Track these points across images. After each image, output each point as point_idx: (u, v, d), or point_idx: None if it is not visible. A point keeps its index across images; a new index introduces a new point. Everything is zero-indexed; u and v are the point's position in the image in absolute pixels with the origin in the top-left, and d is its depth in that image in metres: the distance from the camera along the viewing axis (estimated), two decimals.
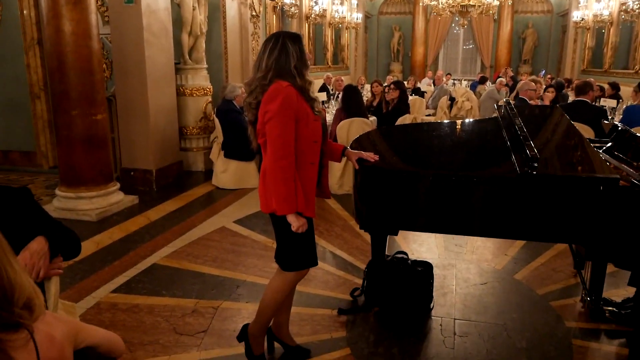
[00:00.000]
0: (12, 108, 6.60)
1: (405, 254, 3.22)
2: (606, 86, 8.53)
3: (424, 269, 3.10)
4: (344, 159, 2.65)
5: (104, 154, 4.90)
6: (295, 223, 2.22)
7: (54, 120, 4.91)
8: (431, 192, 2.45)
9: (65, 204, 4.82)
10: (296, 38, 2.29)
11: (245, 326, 2.58)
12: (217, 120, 5.99)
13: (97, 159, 4.81)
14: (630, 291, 3.19)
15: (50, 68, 4.71)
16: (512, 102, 3.60)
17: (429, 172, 2.48)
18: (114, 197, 5.02)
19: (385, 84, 8.07)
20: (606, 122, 3.86)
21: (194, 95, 6.59)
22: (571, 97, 7.70)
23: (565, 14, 15.82)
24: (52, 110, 5.65)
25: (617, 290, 3.37)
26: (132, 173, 5.88)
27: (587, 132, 4.38)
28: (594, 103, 5.91)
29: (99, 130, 4.79)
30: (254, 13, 7.87)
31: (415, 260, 3.21)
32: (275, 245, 2.48)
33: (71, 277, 3.52)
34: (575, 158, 2.71)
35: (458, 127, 3.45)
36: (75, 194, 4.80)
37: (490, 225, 2.42)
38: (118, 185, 5.15)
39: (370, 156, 2.58)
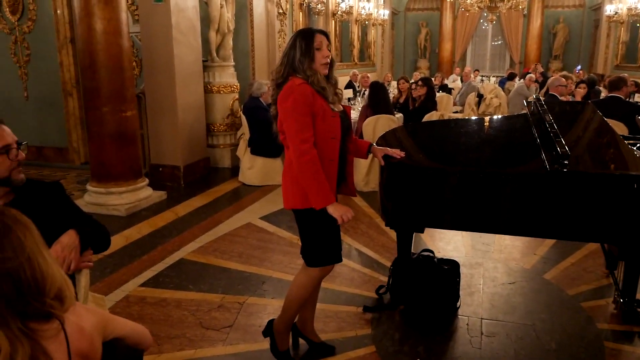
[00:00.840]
0: (45, 105, 6.79)
1: (432, 252, 3.19)
2: None
3: (451, 267, 3.06)
4: (370, 156, 2.63)
5: (134, 150, 4.99)
6: (337, 213, 2.22)
7: (85, 117, 5.02)
8: (458, 189, 2.42)
9: (95, 198, 4.92)
10: (307, 33, 2.30)
11: (271, 322, 2.60)
12: (243, 117, 6.04)
13: (126, 154, 4.90)
14: None
15: (82, 66, 4.81)
16: (542, 98, 3.52)
17: (457, 169, 2.45)
18: (143, 193, 5.11)
19: (412, 80, 8.00)
20: None
21: (221, 92, 6.66)
22: (604, 93, 7.50)
23: (597, 8, 15.37)
24: (83, 107, 5.79)
25: None
26: (160, 169, 5.97)
27: (620, 128, 4.24)
28: (628, 99, 5.73)
29: (129, 127, 4.88)
30: (280, 10, 7.89)
31: (441, 259, 3.17)
32: (300, 242, 2.48)
33: (101, 270, 3.60)
34: (608, 155, 2.64)
35: (486, 123, 3.39)
36: (106, 189, 4.90)
37: (519, 224, 2.37)
38: (147, 180, 5.24)
39: (397, 153, 2.56)
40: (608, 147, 2.72)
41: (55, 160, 6.88)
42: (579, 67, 14.09)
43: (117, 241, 4.14)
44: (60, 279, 1.05)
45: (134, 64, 6.06)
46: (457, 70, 14.18)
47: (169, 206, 5.15)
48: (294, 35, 2.31)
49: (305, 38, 2.26)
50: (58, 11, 6.44)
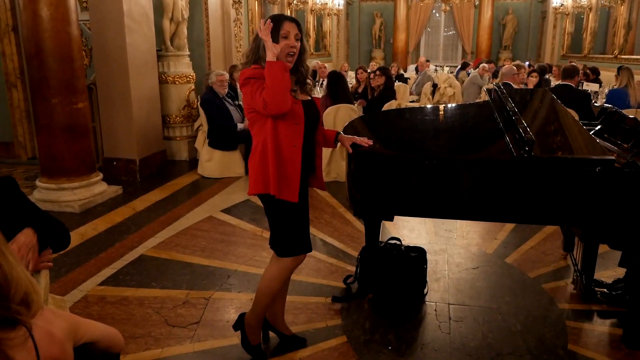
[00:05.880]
0: None
1: (399, 239, 3.20)
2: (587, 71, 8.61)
3: (418, 255, 3.08)
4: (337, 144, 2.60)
5: (86, 143, 4.76)
6: (274, 49, 2.11)
7: (32, 109, 4.75)
8: (429, 176, 2.42)
9: (46, 195, 4.68)
10: (275, 20, 2.22)
11: (242, 315, 2.54)
12: (201, 109, 5.89)
13: (79, 148, 4.68)
14: (619, 272, 3.23)
15: (28, 55, 4.54)
16: (501, 86, 3.58)
17: (427, 157, 2.45)
18: (97, 188, 4.90)
19: (369, 70, 8.02)
20: (597, 105, 3.88)
21: (177, 82, 6.46)
22: (553, 82, 7.77)
23: (544, 0, 15.90)
24: (30, 99, 5.48)
25: (606, 272, 3.40)
26: (114, 163, 5.75)
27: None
28: (577, 87, 5.94)
29: (81, 119, 4.65)
30: None
31: (408, 246, 3.19)
32: (264, 234, 2.44)
33: (56, 270, 3.42)
34: (569, 140, 2.71)
35: (451, 111, 3.42)
36: (57, 185, 4.67)
37: (488, 209, 2.40)
38: (101, 175, 5.03)
39: (364, 141, 2.53)
40: (570, 131, 2.79)
41: None
42: (527, 62, 14.57)
43: (72, 239, 3.86)
44: (27, 282, 0.95)
45: (83, 53, 5.78)
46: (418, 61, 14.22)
47: (126, 201, 4.97)
48: (264, 21, 2.23)
49: (272, 23, 2.19)
50: None
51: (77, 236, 4.08)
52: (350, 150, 2.54)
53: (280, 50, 2.15)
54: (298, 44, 2.21)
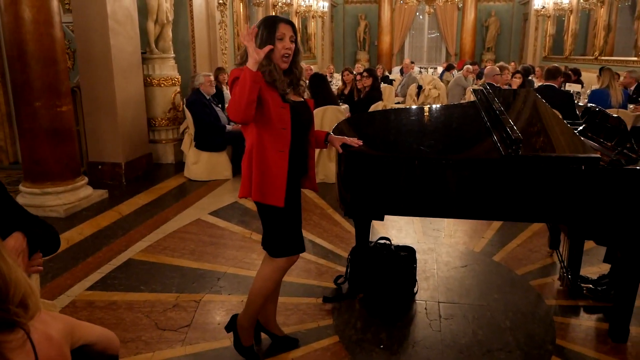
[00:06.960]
0: None
1: (388, 239, 3.21)
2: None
3: (408, 254, 3.10)
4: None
5: (71, 147, 4.70)
6: (254, 56, 2.07)
7: (15, 113, 4.68)
8: (418, 176, 2.44)
9: (30, 200, 4.60)
10: (270, 22, 2.22)
11: (234, 317, 2.53)
12: (187, 112, 5.86)
13: (63, 152, 4.61)
14: (604, 268, 3.29)
15: (9, 58, 4.47)
16: (487, 87, 3.62)
17: (416, 156, 2.47)
18: (83, 192, 4.83)
19: (355, 72, 8.05)
20: (581, 104, 3.95)
21: (162, 85, 6.42)
22: (536, 83, 7.88)
23: (526, 3, 16.12)
24: (11, 103, 5.40)
25: (592, 268, 3.46)
26: (100, 167, 5.68)
27: None
28: (560, 88, 6.04)
29: (65, 122, 4.59)
30: (220, 1, 7.69)
31: (397, 246, 3.21)
32: (253, 236, 2.43)
33: (42, 275, 3.30)
34: (555, 138, 2.75)
35: (437, 112, 3.45)
36: (41, 189, 4.60)
37: (477, 207, 2.43)
38: (86, 179, 4.97)
39: (354, 141, 2.55)
40: (554, 130, 2.84)
41: None
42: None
43: None
44: (25, 284, 0.94)
45: (67, 56, 5.71)
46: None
47: (112, 205, 4.91)
48: (258, 23, 2.22)
49: (268, 27, 2.18)
50: None
51: (63, 241, 3.95)
52: (341, 151, 2.55)
53: (270, 53, 2.15)
54: (293, 46, 2.21)
